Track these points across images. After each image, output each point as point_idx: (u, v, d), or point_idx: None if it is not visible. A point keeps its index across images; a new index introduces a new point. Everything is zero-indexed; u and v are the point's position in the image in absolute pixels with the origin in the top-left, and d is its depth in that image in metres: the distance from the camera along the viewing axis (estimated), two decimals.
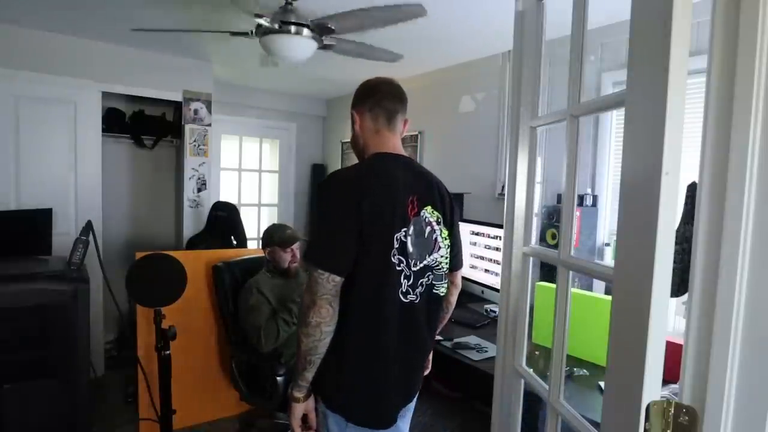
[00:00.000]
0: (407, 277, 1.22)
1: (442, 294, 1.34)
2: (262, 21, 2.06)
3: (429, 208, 1.27)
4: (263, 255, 2.44)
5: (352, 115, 1.35)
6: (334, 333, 1.17)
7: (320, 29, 2.15)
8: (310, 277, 1.15)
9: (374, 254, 1.16)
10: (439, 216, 1.30)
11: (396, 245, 1.18)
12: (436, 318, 1.37)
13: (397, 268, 1.19)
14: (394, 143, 1.33)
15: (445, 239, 1.32)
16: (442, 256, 1.31)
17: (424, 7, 1.89)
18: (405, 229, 1.20)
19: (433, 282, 1.30)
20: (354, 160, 1.41)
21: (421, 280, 1.25)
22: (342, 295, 1.17)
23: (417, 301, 1.25)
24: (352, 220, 1.14)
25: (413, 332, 1.26)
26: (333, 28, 2.12)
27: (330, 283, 1.13)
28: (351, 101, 1.36)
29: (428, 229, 1.27)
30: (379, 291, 1.18)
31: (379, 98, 1.31)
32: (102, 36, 3.12)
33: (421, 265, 1.25)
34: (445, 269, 1.33)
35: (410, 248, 1.21)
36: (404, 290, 1.22)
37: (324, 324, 1.14)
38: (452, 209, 1.36)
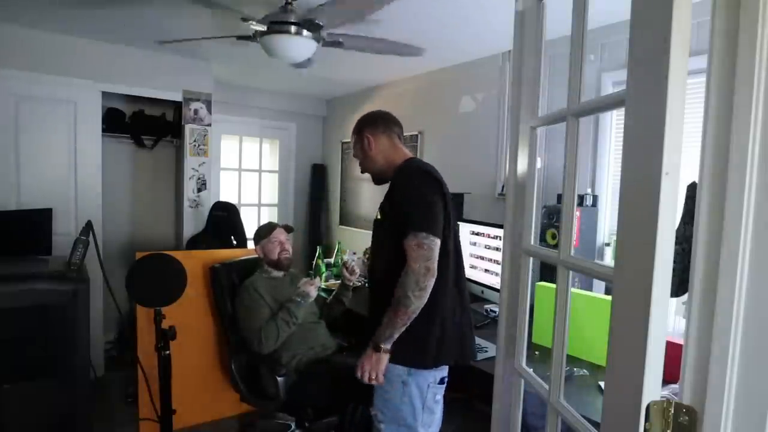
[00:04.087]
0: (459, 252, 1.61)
1: None
2: (254, 26, 2.06)
3: None
4: (258, 256, 2.44)
5: (363, 138, 1.65)
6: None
7: (312, 26, 2.12)
8: (419, 245, 1.38)
9: (447, 224, 1.48)
10: None
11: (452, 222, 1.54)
12: None
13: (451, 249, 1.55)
14: (405, 148, 1.72)
15: None
16: None
17: (420, 4, 1.87)
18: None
19: None
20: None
21: None
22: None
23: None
24: (440, 197, 1.47)
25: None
26: (321, 23, 2.10)
27: (436, 247, 1.40)
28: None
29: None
30: (457, 251, 1.55)
31: (389, 124, 1.69)
32: (102, 36, 3.12)
33: None
34: None
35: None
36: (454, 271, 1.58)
37: (431, 286, 1.39)
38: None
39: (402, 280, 1.39)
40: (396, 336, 1.43)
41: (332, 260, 3.62)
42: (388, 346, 1.44)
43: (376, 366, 1.45)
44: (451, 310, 1.51)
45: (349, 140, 4.59)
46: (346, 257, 3.33)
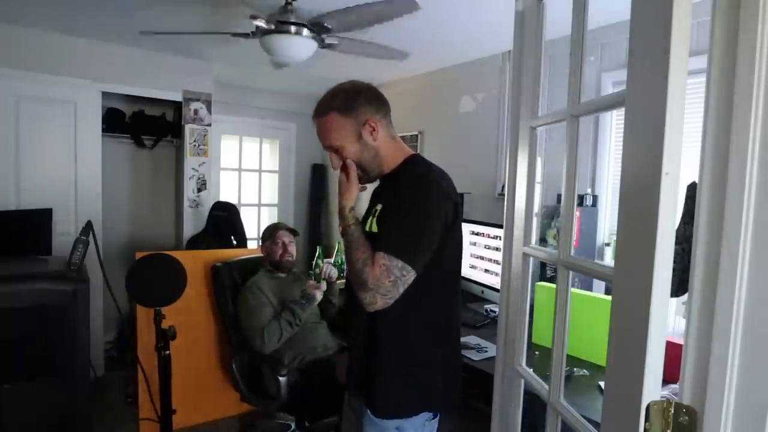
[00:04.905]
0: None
1: None
2: (258, 22, 2.06)
3: None
4: (262, 255, 2.45)
5: (365, 124, 1.22)
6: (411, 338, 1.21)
7: (318, 28, 2.14)
8: (388, 272, 1.08)
9: (454, 246, 1.24)
10: None
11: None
12: None
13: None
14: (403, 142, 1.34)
15: None
16: None
17: (416, 2, 1.88)
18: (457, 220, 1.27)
19: None
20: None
21: None
22: (420, 291, 1.15)
23: None
24: (440, 221, 1.16)
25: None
26: (330, 26, 2.12)
27: (405, 284, 1.10)
28: (350, 107, 1.22)
29: None
30: (456, 276, 1.29)
31: (386, 106, 1.28)
32: (102, 36, 3.12)
33: None
34: None
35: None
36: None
37: (380, 308, 1.11)
38: None
39: (354, 278, 1.13)
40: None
41: (332, 260, 3.62)
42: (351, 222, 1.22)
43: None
44: (449, 356, 1.29)
45: None
46: (322, 263, 3.03)
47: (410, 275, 1.10)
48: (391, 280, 1.08)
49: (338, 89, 1.27)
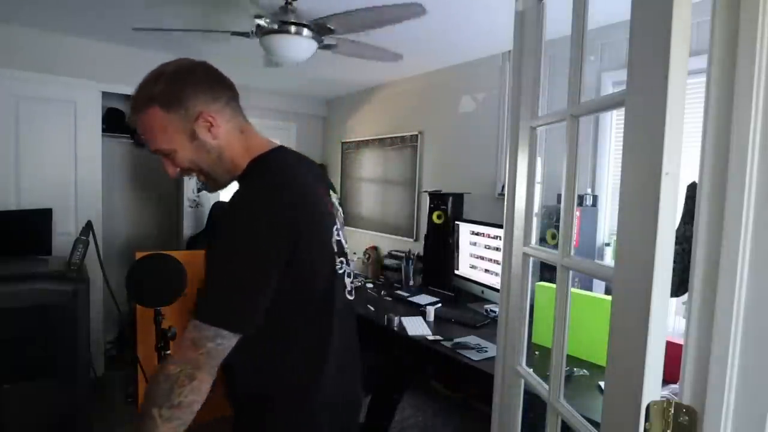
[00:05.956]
0: (348, 275, 1.08)
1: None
2: (261, 21, 2.06)
3: (331, 192, 1.11)
4: None
5: (199, 119, 0.93)
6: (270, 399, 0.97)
7: (320, 29, 2.15)
8: (194, 343, 0.83)
9: (317, 277, 0.96)
10: (337, 197, 1.14)
11: (335, 250, 1.01)
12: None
13: (340, 272, 1.03)
14: (260, 133, 1.05)
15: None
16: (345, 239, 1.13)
17: (424, 6, 1.89)
18: (336, 226, 1.03)
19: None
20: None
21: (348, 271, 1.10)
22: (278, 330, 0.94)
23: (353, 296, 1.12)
24: (275, 254, 0.87)
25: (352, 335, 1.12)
26: (333, 28, 2.12)
27: (228, 350, 0.86)
28: (189, 98, 0.93)
29: (339, 213, 1.11)
30: (329, 301, 0.99)
31: (230, 89, 1.00)
32: (102, 36, 3.12)
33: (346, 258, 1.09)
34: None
35: (343, 241, 1.05)
36: (348, 288, 1.09)
37: (200, 402, 0.86)
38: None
39: (150, 385, 0.86)
40: None
41: None
42: None
43: None
44: (337, 398, 1.04)
45: (350, 140, 4.62)
46: None
47: (229, 340, 0.85)
48: (201, 352, 0.83)
49: (158, 72, 0.97)
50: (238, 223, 0.88)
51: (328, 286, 0.98)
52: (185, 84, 0.94)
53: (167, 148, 0.95)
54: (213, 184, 1.03)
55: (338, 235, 1.03)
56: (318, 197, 1.00)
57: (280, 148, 1.03)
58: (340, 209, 1.14)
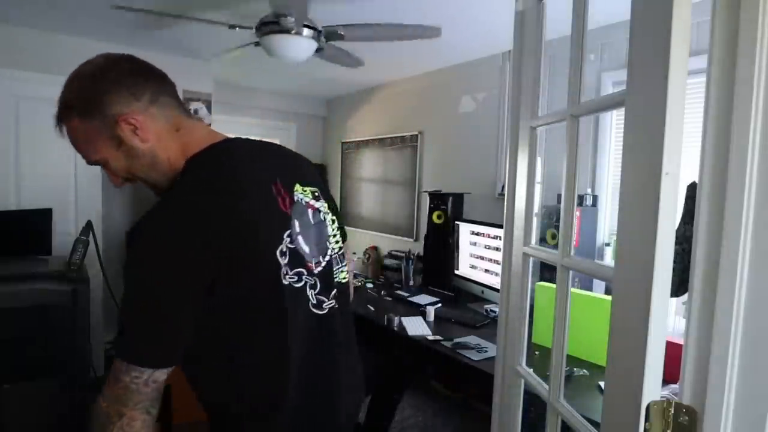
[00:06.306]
0: (313, 286, 0.93)
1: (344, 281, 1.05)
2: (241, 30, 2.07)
3: (299, 187, 0.96)
4: None
5: (118, 123, 0.84)
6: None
7: (329, 35, 2.14)
8: (116, 380, 0.76)
9: (252, 297, 0.84)
10: (314, 190, 1.00)
11: (284, 261, 0.86)
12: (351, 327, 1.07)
13: (297, 286, 0.88)
14: (206, 127, 0.98)
15: (328, 213, 1.02)
16: (336, 240, 1.03)
17: (440, 29, 1.89)
18: (288, 232, 0.88)
19: (341, 279, 1.03)
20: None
21: (328, 281, 0.97)
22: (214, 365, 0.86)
23: (335, 306, 0.97)
24: (188, 280, 0.77)
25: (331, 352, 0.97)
26: (343, 34, 2.12)
27: (153, 384, 0.79)
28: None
29: (311, 212, 0.97)
30: (280, 318, 0.86)
31: (156, 82, 0.91)
32: (102, 36, 3.12)
33: (325, 261, 0.97)
34: (340, 253, 1.04)
35: (304, 249, 0.91)
36: (315, 302, 0.93)
37: None
38: (320, 176, 1.09)
39: (91, 417, 0.79)
40: None
41: None
42: None
43: None
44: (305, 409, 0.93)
45: (350, 140, 4.62)
46: None
47: (149, 375, 0.78)
48: (120, 387, 0.76)
49: (74, 74, 0.91)
50: (145, 253, 0.78)
51: (271, 304, 0.85)
52: (101, 85, 0.85)
53: (97, 158, 0.87)
54: (155, 190, 0.93)
55: (298, 242, 0.89)
56: (262, 198, 0.87)
57: (225, 142, 0.93)
58: (325, 206, 1.02)
